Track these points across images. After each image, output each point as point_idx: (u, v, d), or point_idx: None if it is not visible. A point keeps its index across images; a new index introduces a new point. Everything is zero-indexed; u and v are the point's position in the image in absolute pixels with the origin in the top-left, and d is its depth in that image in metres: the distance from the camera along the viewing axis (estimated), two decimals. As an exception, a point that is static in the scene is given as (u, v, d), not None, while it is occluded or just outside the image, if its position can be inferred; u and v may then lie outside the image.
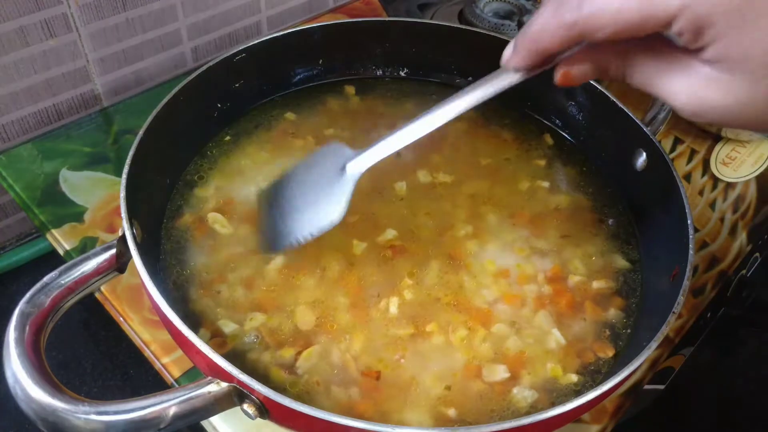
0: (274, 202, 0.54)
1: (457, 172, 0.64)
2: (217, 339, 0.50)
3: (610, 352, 0.52)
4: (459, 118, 0.70)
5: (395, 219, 0.58)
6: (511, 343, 0.51)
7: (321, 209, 0.49)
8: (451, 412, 0.47)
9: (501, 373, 0.49)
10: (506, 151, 0.67)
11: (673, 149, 0.81)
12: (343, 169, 0.49)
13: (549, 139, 0.69)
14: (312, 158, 0.53)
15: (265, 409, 0.41)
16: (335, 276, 0.54)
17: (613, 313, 0.54)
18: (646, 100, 0.66)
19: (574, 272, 0.57)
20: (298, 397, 0.41)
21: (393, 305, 0.52)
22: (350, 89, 0.72)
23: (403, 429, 0.39)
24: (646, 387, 0.58)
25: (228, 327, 0.50)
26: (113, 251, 0.46)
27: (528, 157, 0.67)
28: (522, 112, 0.71)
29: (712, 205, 0.75)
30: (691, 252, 0.49)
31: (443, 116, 0.46)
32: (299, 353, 0.49)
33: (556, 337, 0.52)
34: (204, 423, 0.52)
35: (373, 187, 0.61)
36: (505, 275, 0.55)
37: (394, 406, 0.47)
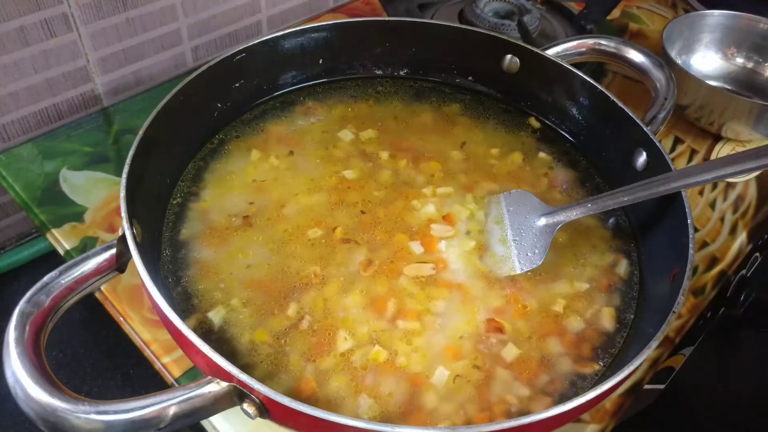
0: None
1: (471, 174, 0.64)
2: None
3: (610, 352, 0.52)
4: (455, 120, 0.71)
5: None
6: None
7: (523, 250, 0.56)
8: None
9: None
10: (505, 150, 0.67)
11: (673, 149, 0.81)
12: (538, 218, 0.56)
13: (549, 139, 0.69)
14: (504, 200, 0.59)
15: (265, 409, 0.41)
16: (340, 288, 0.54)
17: (612, 314, 0.54)
18: (646, 100, 0.66)
19: (574, 271, 0.57)
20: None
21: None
22: (347, 89, 0.72)
23: (403, 428, 0.39)
24: (646, 387, 0.58)
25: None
26: (113, 251, 0.46)
27: (527, 156, 0.67)
28: (522, 111, 0.71)
29: (712, 205, 0.75)
30: (691, 252, 0.49)
31: (639, 196, 0.53)
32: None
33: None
34: (204, 422, 0.52)
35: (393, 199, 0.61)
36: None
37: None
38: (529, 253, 0.56)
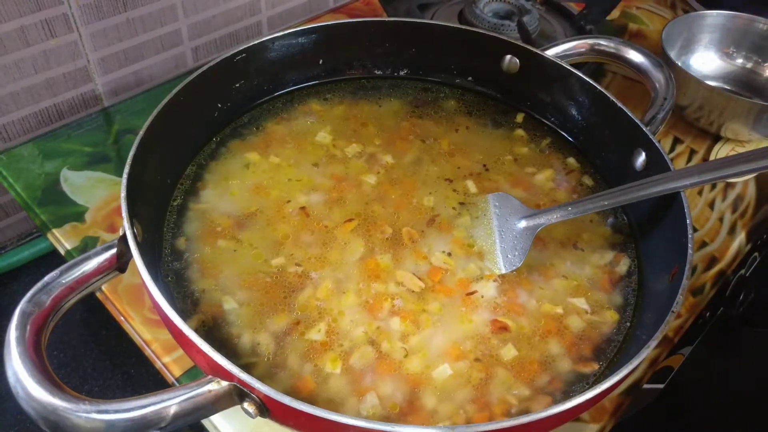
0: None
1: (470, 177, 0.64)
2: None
3: (609, 352, 0.52)
4: (455, 120, 0.71)
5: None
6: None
7: (505, 250, 0.56)
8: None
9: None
10: (505, 151, 0.68)
11: (672, 149, 0.81)
12: (519, 221, 0.56)
13: (549, 139, 0.69)
14: (491, 201, 0.60)
15: (266, 408, 0.41)
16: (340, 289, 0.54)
17: (612, 313, 0.54)
18: (646, 100, 0.66)
19: (574, 271, 0.57)
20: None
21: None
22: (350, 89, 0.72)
23: (403, 428, 0.39)
24: (646, 386, 0.58)
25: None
26: (114, 251, 0.46)
27: (527, 157, 0.67)
28: (522, 112, 0.71)
29: (711, 204, 0.75)
30: (690, 252, 0.49)
31: (616, 201, 0.54)
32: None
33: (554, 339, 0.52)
34: (205, 422, 0.52)
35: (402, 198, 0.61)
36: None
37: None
38: (509, 255, 0.56)
